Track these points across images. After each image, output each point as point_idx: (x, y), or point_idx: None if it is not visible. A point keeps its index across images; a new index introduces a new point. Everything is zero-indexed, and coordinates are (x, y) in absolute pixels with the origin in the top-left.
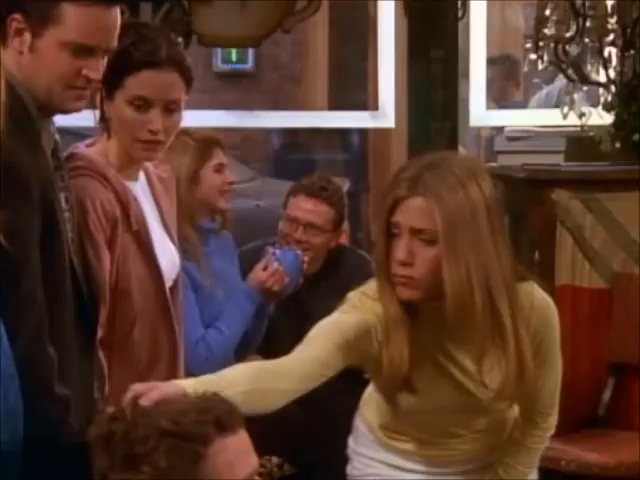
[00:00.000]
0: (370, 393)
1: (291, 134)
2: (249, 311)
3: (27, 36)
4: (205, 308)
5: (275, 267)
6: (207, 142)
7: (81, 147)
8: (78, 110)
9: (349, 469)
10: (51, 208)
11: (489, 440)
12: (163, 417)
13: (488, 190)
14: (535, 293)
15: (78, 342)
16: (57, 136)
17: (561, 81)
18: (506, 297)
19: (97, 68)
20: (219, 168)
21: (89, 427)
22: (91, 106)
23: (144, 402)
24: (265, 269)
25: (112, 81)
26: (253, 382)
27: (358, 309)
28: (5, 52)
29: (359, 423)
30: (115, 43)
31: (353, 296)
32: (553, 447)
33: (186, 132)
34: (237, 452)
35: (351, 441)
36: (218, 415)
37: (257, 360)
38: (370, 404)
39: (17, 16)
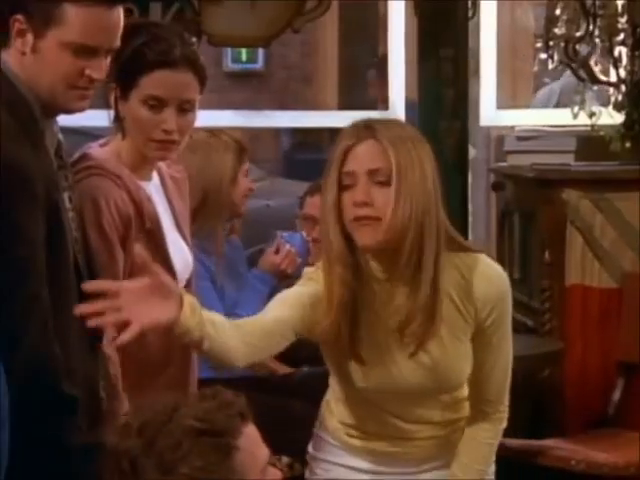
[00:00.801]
0: (329, 397)
1: (301, 134)
2: (265, 295)
3: (29, 37)
4: (222, 302)
5: (288, 249)
6: (242, 145)
7: (94, 147)
8: (81, 110)
9: (307, 475)
10: (55, 207)
11: (446, 436)
12: (189, 419)
13: (430, 151)
14: (484, 261)
15: (83, 341)
16: (60, 136)
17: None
18: (435, 245)
19: (100, 68)
20: (246, 173)
21: (95, 427)
22: (102, 105)
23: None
24: (277, 252)
25: (126, 81)
26: (237, 335)
27: (314, 280)
28: (7, 53)
29: (319, 430)
30: (118, 43)
31: (309, 270)
32: (563, 447)
33: (221, 132)
34: (255, 442)
35: (310, 448)
36: (240, 407)
37: (267, 361)
38: (329, 406)
39: (19, 17)
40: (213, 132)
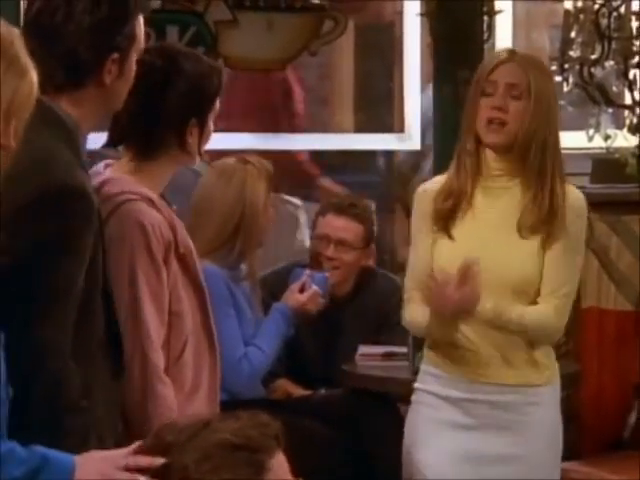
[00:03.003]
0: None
1: (317, 156)
2: (285, 331)
3: (114, 68)
4: (241, 329)
5: (314, 289)
6: (271, 174)
7: (101, 169)
8: None
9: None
10: (98, 232)
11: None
12: (224, 433)
13: (554, 84)
14: (575, 189)
15: (109, 365)
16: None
17: None
18: (555, 157)
19: None
20: (272, 202)
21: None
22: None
23: None
24: (301, 291)
25: (205, 108)
26: None
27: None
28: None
29: (422, 365)
30: None
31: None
32: (579, 470)
33: (250, 158)
34: (286, 470)
35: (415, 385)
36: (276, 430)
37: (284, 384)
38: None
39: (115, 56)
40: (243, 159)
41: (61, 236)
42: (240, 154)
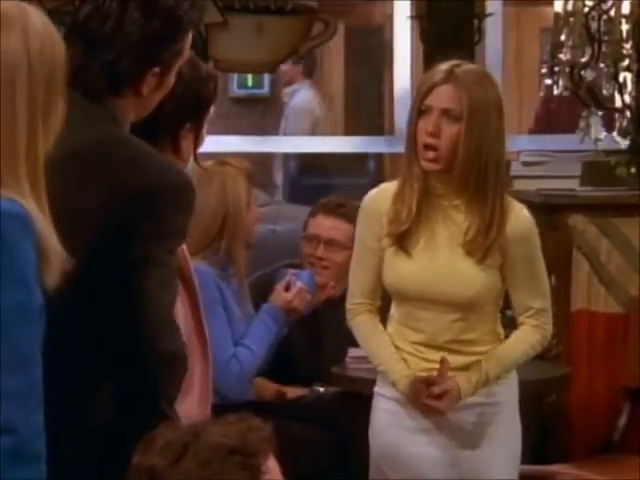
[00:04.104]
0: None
1: (307, 159)
2: (274, 331)
3: (154, 80)
4: (230, 328)
5: (299, 286)
6: (250, 172)
7: None
8: None
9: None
10: None
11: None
12: (219, 437)
13: (499, 94)
14: (524, 210)
15: None
16: None
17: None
18: (495, 176)
19: None
20: (254, 200)
21: None
22: None
23: None
24: (287, 290)
25: (202, 113)
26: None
27: (377, 206)
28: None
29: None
30: None
31: (360, 214)
32: (568, 472)
33: (228, 160)
34: (278, 473)
35: (375, 389)
36: (268, 432)
37: (268, 384)
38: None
39: (156, 70)
40: (221, 161)
41: (186, 224)
42: (220, 157)
